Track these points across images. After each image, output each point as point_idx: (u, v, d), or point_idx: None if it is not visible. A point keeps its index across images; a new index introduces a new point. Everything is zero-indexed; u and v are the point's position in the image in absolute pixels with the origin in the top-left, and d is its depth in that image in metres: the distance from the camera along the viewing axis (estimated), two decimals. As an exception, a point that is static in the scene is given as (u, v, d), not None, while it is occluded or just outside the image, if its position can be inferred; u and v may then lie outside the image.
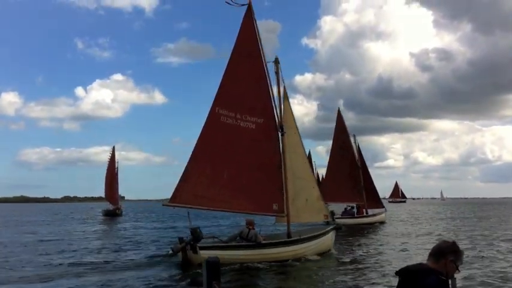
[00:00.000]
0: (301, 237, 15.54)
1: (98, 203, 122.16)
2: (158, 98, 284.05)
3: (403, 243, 21.44)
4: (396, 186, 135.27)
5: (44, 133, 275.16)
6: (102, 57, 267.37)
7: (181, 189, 15.67)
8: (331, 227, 17.45)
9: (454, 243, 3.25)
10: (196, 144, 16.45)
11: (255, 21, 17.56)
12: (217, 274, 3.96)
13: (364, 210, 34.62)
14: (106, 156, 60.53)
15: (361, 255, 17.32)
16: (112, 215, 52.91)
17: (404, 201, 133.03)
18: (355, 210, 34.42)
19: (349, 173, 34.03)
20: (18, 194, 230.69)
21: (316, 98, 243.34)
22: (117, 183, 54.92)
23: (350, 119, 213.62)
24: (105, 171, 56.30)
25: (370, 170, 46.83)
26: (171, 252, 14.20)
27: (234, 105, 16.82)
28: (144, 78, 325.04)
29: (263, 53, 17.46)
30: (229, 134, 16.63)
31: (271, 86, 17.36)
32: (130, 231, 31.14)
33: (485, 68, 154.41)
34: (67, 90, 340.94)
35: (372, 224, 32.91)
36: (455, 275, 3.22)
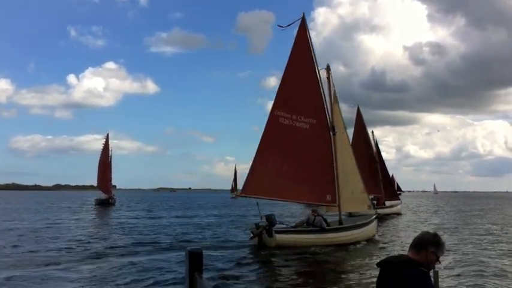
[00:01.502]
0: (356, 223, 17.86)
1: (90, 191, 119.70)
2: (151, 87, 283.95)
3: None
4: (392, 178, 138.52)
5: (36, 120, 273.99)
6: (95, 45, 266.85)
7: (250, 182, 17.90)
8: (374, 216, 19.75)
9: (435, 235, 3.25)
10: (260, 142, 18.63)
11: (309, 32, 19.74)
12: (199, 265, 3.87)
13: (382, 202, 37.10)
14: (97, 145, 60.42)
15: (396, 240, 19.70)
16: (105, 204, 51.51)
17: (400, 194, 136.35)
18: (374, 202, 36.83)
19: (369, 166, 36.34)
20: (9, 181, 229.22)
21: None
22: (110, 172, 53.55)
23: (344, 111, 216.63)
24: (96, 160, 55.02)
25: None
26: (251, 235, 16.41)
27: (290, 107, 18.97)
28: (136, 67, 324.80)
29: (316, 60, 19.62)
30: (287, 134, 18.79)
31: (323, 90, 19.54)
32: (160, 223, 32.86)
33: (478, 63, 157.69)
34: (59, 78, 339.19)
35: (389, 214, 35.39)
36: (437, 267, 3.23)
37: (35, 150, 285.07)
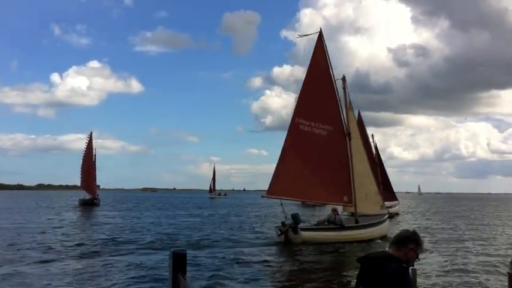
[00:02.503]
0: (372, 222, 19.49)
1: (73, 191, 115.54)
2: (135, 86, 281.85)
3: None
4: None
5: (19, 119, 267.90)
6: (79, 43, 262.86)
7: (274, 184, 19.46)
8: (387, 215, 21.37)
9: (414, 232, 3.36)
10: (282, 147, 20.22)
11: (325, 45, 21.35)
12: (183, 266, 3.85)
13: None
14: (81, 144, 57.27)
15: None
16: (89, 205, 50.37)
17: None
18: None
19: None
20: None
21: (294, 90, 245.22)
22: (94, 171, 52.39)
23: None
24: (79, 159, 53.26)
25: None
26: (279, 232, 17.90)
27: (309, 115, 20.55)
28: (121, 66, 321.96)
29: (332, 71, 21.27)
30: (307, 139, 20.34)
31: (339, 99, 21.15)
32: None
33: (461, 65, 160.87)
34: (42, 77, 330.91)
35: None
36: (415, 265, 3.34)
37: (17, 149, 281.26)
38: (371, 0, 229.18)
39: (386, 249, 3.38)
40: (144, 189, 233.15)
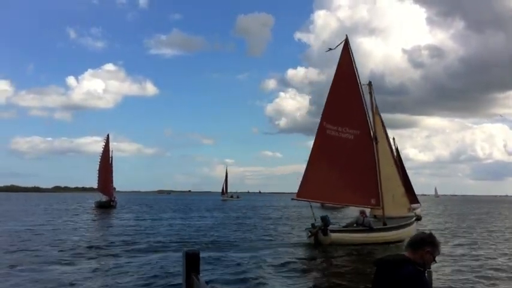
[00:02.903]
0: (400, 224, 19.91)
1: (89, 193, 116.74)
2: (150, 89, 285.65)
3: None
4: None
5: (35, 122, 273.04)
6: (94, 47, 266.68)
7: (303, 187, 20.13)
8: (415, 218, 21.73)
9: (430, 235, 3.37)
10: (311, 152, 20.88)
11: (351, 52, 21.91)
12: (196, 266, 3.82)
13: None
14: (97, 147, 58.35)
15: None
16: (106, 207, 50.63)
17: None
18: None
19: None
20: (8, 183, 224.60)
21: (308, 92, 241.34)
22: (111, 173, 52.64)
23: None
24: (95, 162, 54.10)
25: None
26: (309, 234, 18.54)
27: (336, 120, 21.13)
28: (136, 69, 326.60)
29: (358, 77, 21.80)
30: (334, 144, 20.91)
31: (365, 103, 21.66)
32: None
33: (476, 66, 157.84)
34: (58, 80, 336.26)
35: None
36: (432, 267, 3.32)
37: (34, 151, 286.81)
38: (386, 1, 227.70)
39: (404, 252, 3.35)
40: (160, 192, 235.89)
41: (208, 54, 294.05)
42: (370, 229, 18.67)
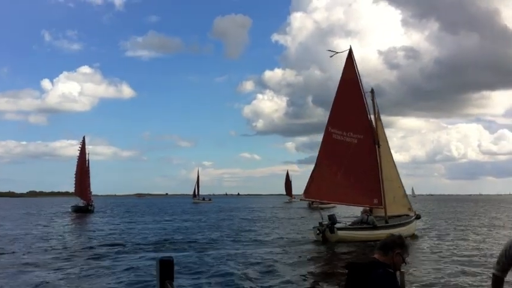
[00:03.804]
0: (401, 222, 21.32)
1: (65, 197, 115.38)
2: (126, 91, 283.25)
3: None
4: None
5: (10, 126, 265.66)
6: (69, 49, 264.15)
7: (310, 187, 21.60)
8: (415, 216, 23.12)
9: (400, 237, 3.48)
10: (318, 155, 22.40)
11: (355, 61, 23.41)
12: (170, 273, 3.80)
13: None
14: (73, 150, 56.79)
15: (431, 235, 23.09)
16: (83, 212, 49.12)
17: None
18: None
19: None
20: None
21: (285, 94, 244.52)
22: (88, 177, 51.30)
23: (319, 115, 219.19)
24: (72, 165, 52.72)
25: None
26: (317, 232, 19.95)
27: (341, 125, 22.60)
28: (112, 71, 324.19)
29: (362, 85, 23.29)
30: (339, 147, 22.38)
31: (368, 109, 23.12)
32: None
33: (451, 67, 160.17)
34: (33, 83, 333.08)
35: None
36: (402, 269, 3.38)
37: (8, 156, 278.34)
38: (361, 3, 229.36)
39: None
40: (139, 195, 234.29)
41: (185, 56, 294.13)
42: (374, 227, 20.05)
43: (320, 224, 20.07)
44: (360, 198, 22.16)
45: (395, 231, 20.57)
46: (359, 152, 22.40)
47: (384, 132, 23.83)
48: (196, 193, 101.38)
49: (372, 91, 23.49)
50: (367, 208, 21.17)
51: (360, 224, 20.55)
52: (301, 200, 22.32)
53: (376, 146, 22.66)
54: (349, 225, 20.91)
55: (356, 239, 19.53)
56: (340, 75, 23.24)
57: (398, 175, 23.72)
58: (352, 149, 22.42)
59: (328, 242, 19.59)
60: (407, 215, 23.26)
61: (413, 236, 22.56)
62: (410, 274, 12.16)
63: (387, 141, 23.81)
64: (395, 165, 23.72)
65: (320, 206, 59.19)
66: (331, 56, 23.42)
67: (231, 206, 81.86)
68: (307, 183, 21.65)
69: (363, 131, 22.82)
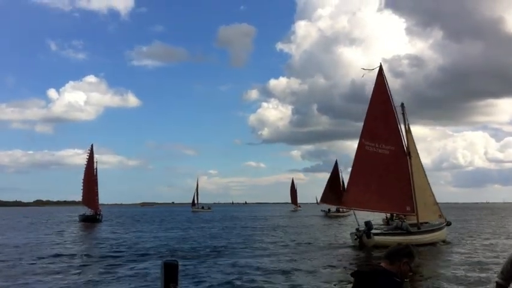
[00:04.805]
0: (434, 228, 22.71)
1: (71, 207, 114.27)
2: (132, 100, 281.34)
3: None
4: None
5: (16, 135, 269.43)
6: (75, 59, 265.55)
7: (346, 197, 23.27)
8: (445, 223, 24.43)
9: (407, 246, 3.53)
10: (352, 166, 24.08)
11: (385, 77, 25.06)
12: (174, 276, 3.80)
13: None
14: (79, 159, 55.14)
15: (462, 241, 24.33)
16: (91, 221, 48.38)
17: None
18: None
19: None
20: None
21: (290, 102, 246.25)
22: (96, 185, 50.33)
23: (324, 123, 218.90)
24: (78, 174, 54.15)
25: (344, 174, 58.99)
26: (355, 237, 21.50)
27: (374, 137, 24.19)
28: (117, 80, 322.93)
29: (392, 98, 24.88)
30: (372, 158, 23.93)
31: (399, 122, 24.68)
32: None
33: (456, 75, 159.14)
34: (39, 92, 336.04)
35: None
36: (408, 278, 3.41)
37: (15, 165, 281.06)
38: (365, 12, 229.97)
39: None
40: (144, 204, 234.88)
41: (190, 65, 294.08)
42: (408, 232, 21.50)
43: (357, 229, 21.61)
44: (393, 206, 23.68)
45: (428, 236, 22.08)
46: (391, 163, 23.92)
47: (414, 143, 25.26)
48: (195, 202, 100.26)
49: (402, 105, 25.04)
50: (388, 215, 22.60)
51: (395, 229, 22.00)
52: (337, 209, 23.90)
53: (408, 157, 24.15)
54: (385, 231, 22.37)
55: (391, 243, 20.71)
56: (372, 91, 24.98)
57: (429, 184, 25.06)
58: (384, 159, 23.95)
59: (365, 246, 21.10)
60: (426, 223, 24.47)
61: (445, 242, 23.87)
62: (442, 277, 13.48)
63: (417, 152, 25.23)
64: (425, 175, 25.07)
65: (336, 214, 60.86)
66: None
67: (241, 214, 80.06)
68: (345, 192, 23.31)
69: (394, 143, 24.36)
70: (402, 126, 24.80)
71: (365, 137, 24.22)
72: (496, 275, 3.68)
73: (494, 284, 3.57)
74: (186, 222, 51.53)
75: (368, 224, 21.42)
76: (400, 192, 23.61)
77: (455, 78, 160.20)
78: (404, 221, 22.06)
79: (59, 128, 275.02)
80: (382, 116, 24.46)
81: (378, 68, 25.02)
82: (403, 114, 24.95)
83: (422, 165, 25.29)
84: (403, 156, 24.26)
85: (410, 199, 23.65)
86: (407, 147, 24.38)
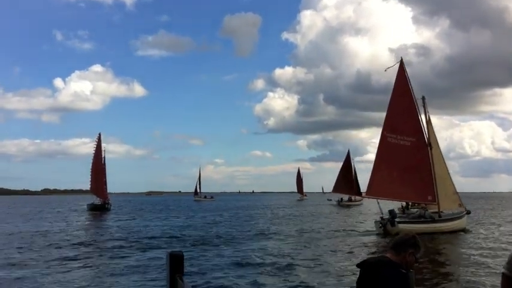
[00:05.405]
0: (454, 216, 23.60)
1: (79, 195, 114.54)
2: (138, 90, 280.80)
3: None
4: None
5: (23, 125, 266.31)
6: (81, 48, 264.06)
7: (371, 187, 24.21)
8: (466, 211, 25.26)
9: (414, 237, 3.46)
10: (375, 157, 24.97)
11: (406, 71, 25.81)
12: (180, 267, 3.74)
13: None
14: (85, 149, 55.57)
15: (482, 230, 25.17)
16: (99, 210, 48.26)
17: None
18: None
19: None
20: None
21: (296, 92, 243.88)
22: (105, 174, 50.31)
23: (330, 113, 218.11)
24: (85, 163, 53.49)
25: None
26: (380, 225, 22.46)
27: (395, 129, 25.03)
28: (123, 70, 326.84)
29: (413, 92, 25.64)
30: (394, 149, 24.79)
31: (419, 114, 25.46)
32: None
33: (463, 64, 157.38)
34: (45, 82, 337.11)
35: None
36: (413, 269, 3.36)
37: (22, 154, 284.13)
38: (371, 1, 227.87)
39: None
40: (150, 193, 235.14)
41: (195, 55, 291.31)
42: (432, 220, 22.41)
43: (381, 218, 22.55)
44: (415, 195, 24.58)
45: (450, 224, 22.99)
46: (412, 153, 24.76)
47: (435, 135, 26.03)
48: (198, 191, 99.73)
49: (423, 98, 25.77)
50: (403, 204, 23.48)
51: (419, 217, 22.92)
52: (363, 197, 24.84)
53: (428, 148, 24.97)
54: (409, 218, 23.30)
55: (414, 231, 21.76)
56: (393, 85, 25.79)
57: (449, 174, 25.86)
58: (406, 150, 24.79)
59: (389, 234, 22.01)
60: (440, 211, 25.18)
61: (465, 231, 24.73)
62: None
63: (438, 143, 26.01)
64: (446, 165, 25.87)
65: (348, 203, 61.78)
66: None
67: (232, 204, 76.48)
68: (368, 183, 24.25)
69: (415, 134, 25.18)
70: (423, 117, 25.62)
71: (387, 129, 25.08)
72: (501, 266, 3.51)
73: (501, 275, 3.40)
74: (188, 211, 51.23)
75: (392, 213, 22.36)
76: (422, 182, 24.46)
77: (462, 67, 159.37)
78: (426, 210, 22.92)
79: (65, 117, 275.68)
80: (403, 109, 25.24)
81: (399, 63, 25.80)
82: (424, 106, 25.70)
83: (442, 156, 26.06)
84: (424, 147, 25.06)
85: (432, 188, 24.49)
86: (428, 138, 25.18)
